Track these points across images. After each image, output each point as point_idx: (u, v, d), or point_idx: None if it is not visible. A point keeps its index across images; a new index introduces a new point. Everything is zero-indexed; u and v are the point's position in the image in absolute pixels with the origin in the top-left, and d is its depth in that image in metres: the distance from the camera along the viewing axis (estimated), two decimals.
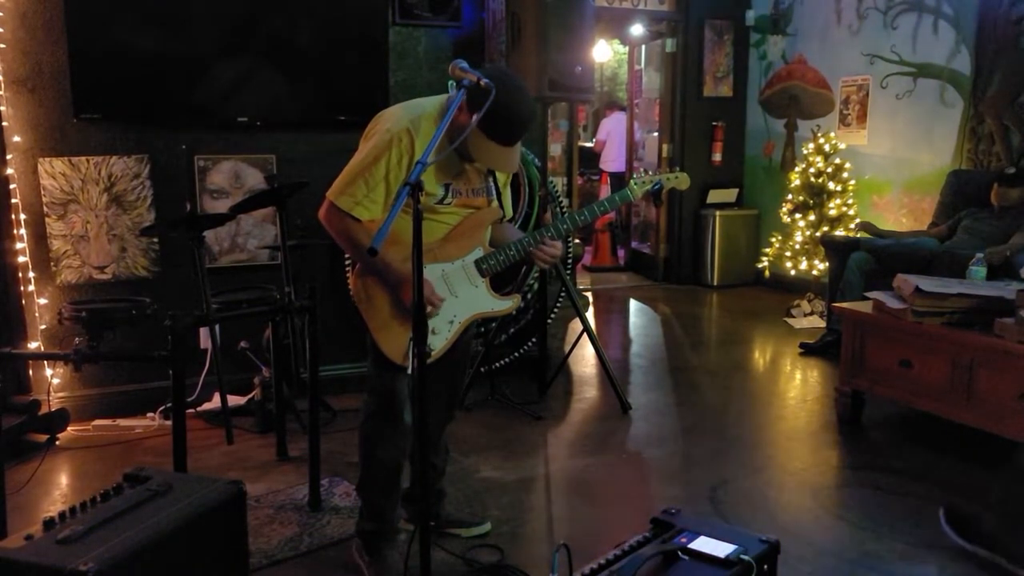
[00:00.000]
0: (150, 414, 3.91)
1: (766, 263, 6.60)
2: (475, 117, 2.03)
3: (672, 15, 7.12)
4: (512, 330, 4.52)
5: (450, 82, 2.16)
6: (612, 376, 4.18)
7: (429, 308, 2.28)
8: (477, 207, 2.43)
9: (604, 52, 10.13)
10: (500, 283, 2.56)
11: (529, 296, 4.45)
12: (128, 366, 3.96)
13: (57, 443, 3.64)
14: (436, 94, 2.39)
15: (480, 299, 2.45)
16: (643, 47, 8.22)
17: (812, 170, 6.04)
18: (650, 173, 2.61)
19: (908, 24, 5.84)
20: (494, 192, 2.47)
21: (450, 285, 2.39)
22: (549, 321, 4.43)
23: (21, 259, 3.73)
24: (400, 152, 2.22)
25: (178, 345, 2.56)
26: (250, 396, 3.95)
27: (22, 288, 3.73)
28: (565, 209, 4.67)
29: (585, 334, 4.21)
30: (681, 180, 2.63)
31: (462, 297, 2.42)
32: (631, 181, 2.60)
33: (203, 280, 2.84)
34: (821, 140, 6.07)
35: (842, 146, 6.14)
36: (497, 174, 2.47)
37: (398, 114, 2.30)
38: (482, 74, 2.06)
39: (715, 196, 7.22)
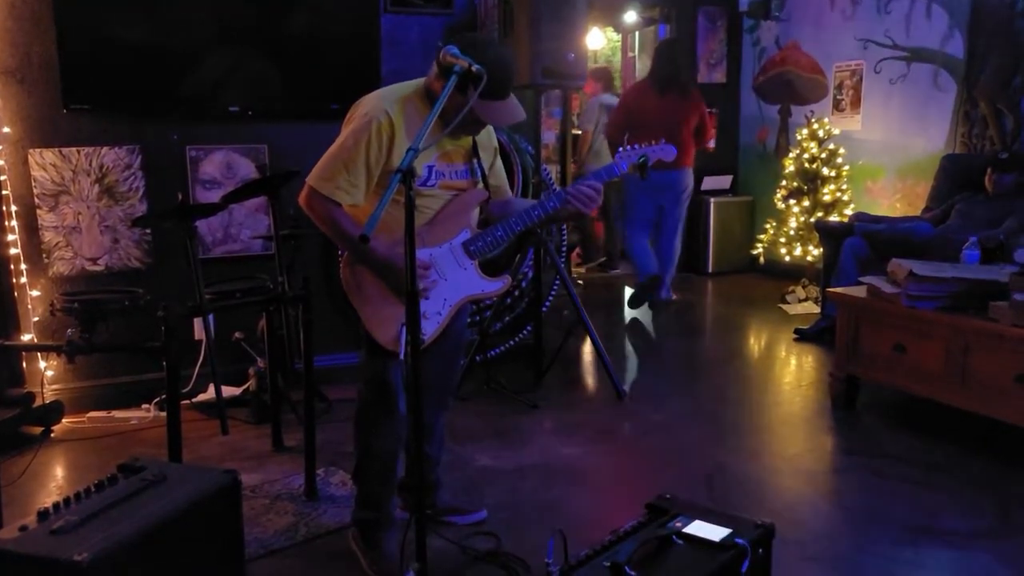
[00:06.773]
0: (145, 405, 3.90)
1: (760, 249, 6.61)
2: (473, 94, 2.02)
3: (665, 1, 7.09)
4: (507, 319, 4.51)
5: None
6: (607, 364, 4.17)
7: (421, 285, 2.27)
8: (461, 189, 2.42)
9: (597, 39, 10.08)
10: (494, 269, 2.55)
11: (524, 284, 4.44)
12: (122, 358, 3.94)
13: (52, 436, 3.63)
14: None
15: (470, 281, 2.44)
16: (636, 34, 8.20)
17: (806, 156, 6.04)
18: (636, 147, 2.56)
19: (901, 8, 5.83)
20: (479, 172, 2.45)
21: (439, 269, 2.38)
22: (544, 309, 4.43)
23: (13, 251, 3.71)
24: (380, 137, 2.22)
25: (172, 336, 2.55)
26: (245, 387, 3.94)
27: (14, 280, 3.72)
28: None
29: (580, 322, 4.21)
30: (666, 152, 2.60)
31: (452, 280, 2.40)
32: (615, 155, 2.52)
33: (196, 271, 2.83)
34: (815, 126, 6.06)
35: (836, 131, 6.13)
36: (481, 153, 2.45)
37: (377, 99, 2.31)
38: (463, 54, 2.06)
39: (709, 183, 7.21)
